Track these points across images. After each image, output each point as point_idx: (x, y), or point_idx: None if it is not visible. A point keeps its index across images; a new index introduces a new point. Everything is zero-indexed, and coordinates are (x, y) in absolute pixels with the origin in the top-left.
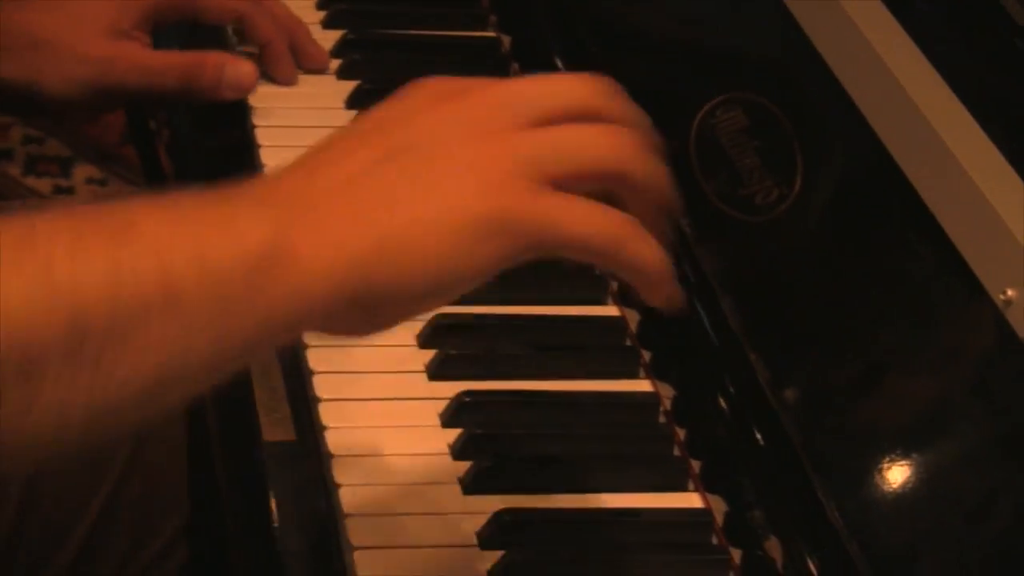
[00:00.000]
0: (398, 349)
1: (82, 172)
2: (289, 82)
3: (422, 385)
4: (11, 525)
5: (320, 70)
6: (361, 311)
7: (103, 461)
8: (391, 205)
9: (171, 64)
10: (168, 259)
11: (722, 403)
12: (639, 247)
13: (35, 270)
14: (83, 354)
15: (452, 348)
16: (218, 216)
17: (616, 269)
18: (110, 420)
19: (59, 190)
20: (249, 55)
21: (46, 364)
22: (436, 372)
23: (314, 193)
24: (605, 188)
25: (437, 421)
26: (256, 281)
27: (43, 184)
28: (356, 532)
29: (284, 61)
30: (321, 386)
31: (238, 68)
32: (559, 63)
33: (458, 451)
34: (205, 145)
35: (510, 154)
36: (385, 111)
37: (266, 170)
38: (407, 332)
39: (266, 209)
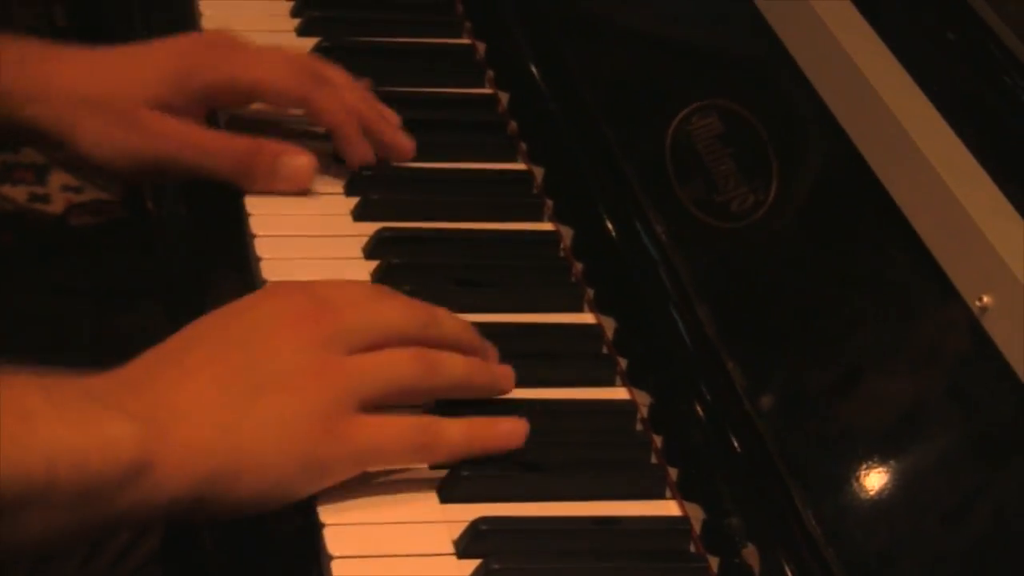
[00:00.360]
0: None
1: (57, 179)
2: (362, 163)
3: None
4: None
5: (402, 158)
6: (200, 511)
7: None
8: (244, 432)
9: (227, 147)
10: (55, 464)
11: (699, 410)
12: (445, 440)
13: None
14: None
15: None
16: (98, 428)
17: (439, 461)
18: None
19: (35, 197)
20: None
21: None
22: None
23: (180, 406)
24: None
25: None
26: (121, 487)
27: (19, 192)
28: (334, 541)
29: (353, 145)
30: None
31: (294, 160)
32: (534, 70)
33: None
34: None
35: (340, 388)
36: (247, 323)
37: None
38: None
39: (138, 426)
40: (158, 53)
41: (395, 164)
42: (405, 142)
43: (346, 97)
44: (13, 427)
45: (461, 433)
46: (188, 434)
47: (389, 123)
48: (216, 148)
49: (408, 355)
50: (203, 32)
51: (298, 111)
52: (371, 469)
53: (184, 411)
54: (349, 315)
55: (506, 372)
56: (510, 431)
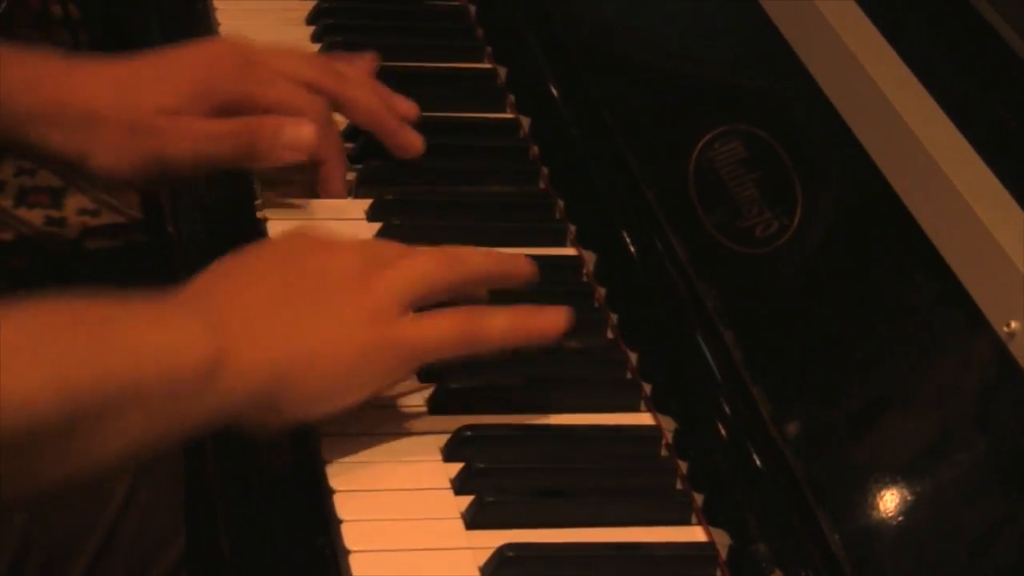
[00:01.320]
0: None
1: (74, 203)
2: (415, 148)
3: (423, 419)
4: (12, 560)
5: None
6: (270, 411)
7: (101, 496)
8: (302, 327)
9: (225, 130)
10: (139, 365)
11: (724, 436)
12: (489, 326)
13: (41, 369)
14: (71, 438)
15: (453, 383)
16: (175, 328)
17: (486, 350)
18: (79, 482)
19: (51, 221)
20: None
21: (42, 446)
22: (436, 406)
23: (242, 311)
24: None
25: (439, 455)
26: (201, 385)
27: (35, 215)
28: (358, 567)
29: (399, 134)
30: (322, 423)
31: (297, 128)
32: (555, 94)
33: (460, 486)
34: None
35: (385, 289)
36: (281, 247)
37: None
38: None
39: (208, 326)
40: (174, 67)
41: (418, 189)
42: (415, 139)
43: (370, 92)
44: (99, 331)
45: (507, 320)
46: (256, 330)
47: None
48: (216, 131)
49: (433, 254)
50: (218, 42)
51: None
52: (425, 361)
53: (249, 313)
54: (365, 247)
55: (526, 259)
56: (555, 320)
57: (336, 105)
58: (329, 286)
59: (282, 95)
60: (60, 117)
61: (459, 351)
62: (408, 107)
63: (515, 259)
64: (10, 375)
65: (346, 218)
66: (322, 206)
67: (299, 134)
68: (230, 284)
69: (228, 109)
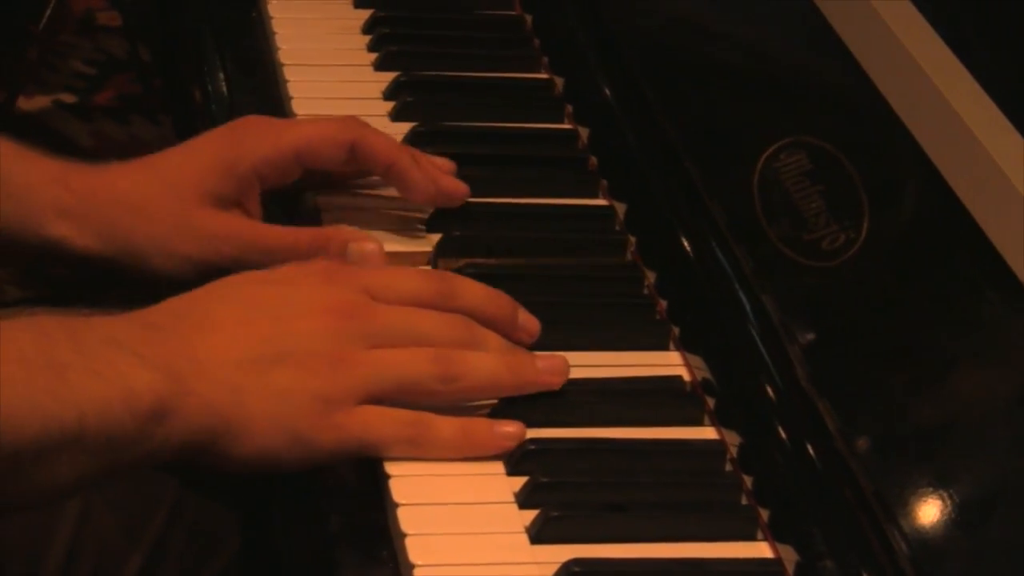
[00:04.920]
0: None
1: None
2: (429, 198)
3: None
4: (62, 567)
5: (457, 201)
6: (201, 461)
7: (151, 500)
8: (246, 395)
9: (293, 244)
10: (83, 413)
11: (790, 450)
12: (435, 437)
13: None
14: (9, 479)
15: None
16: (123, 380)
17: (432, 456)
18: (23, 509)
19: None
20: None
21: None
22: (499, 419)
23: (199, 357)
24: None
25: (502, 469)
26: (139, 433)
27: None
28: None
29: (412, 174)
30: None
31: (362, 247)
32: (613, 105)
33: (524, 499)
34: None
35: (350, 379)
36: (282, 297)
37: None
38: None
39: (155, 377)
40: (199, 146)
41: (475, 201)
42: (460, 185)
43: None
44: (49, 381)
45: (454, 431)
46: (202, 386)
47: (440, 166)
48: (278, 246)
49: (428, 355)
50: (235, 119)
51: (379, 192)
52: (361, 456)
53: (203, 365)
54: (384, 317)
55: (550, 366)
56: (506, 435)
57: (357, 149)
58: (297, 357)
59: (307, 129)
60: (92, 209)
61: (398, 453)
62: (445, 161)
63: (534, 375)
64: None
65: (404, 214)
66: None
67: (367, 251)
68: (200, 320)
69: (261, 172)
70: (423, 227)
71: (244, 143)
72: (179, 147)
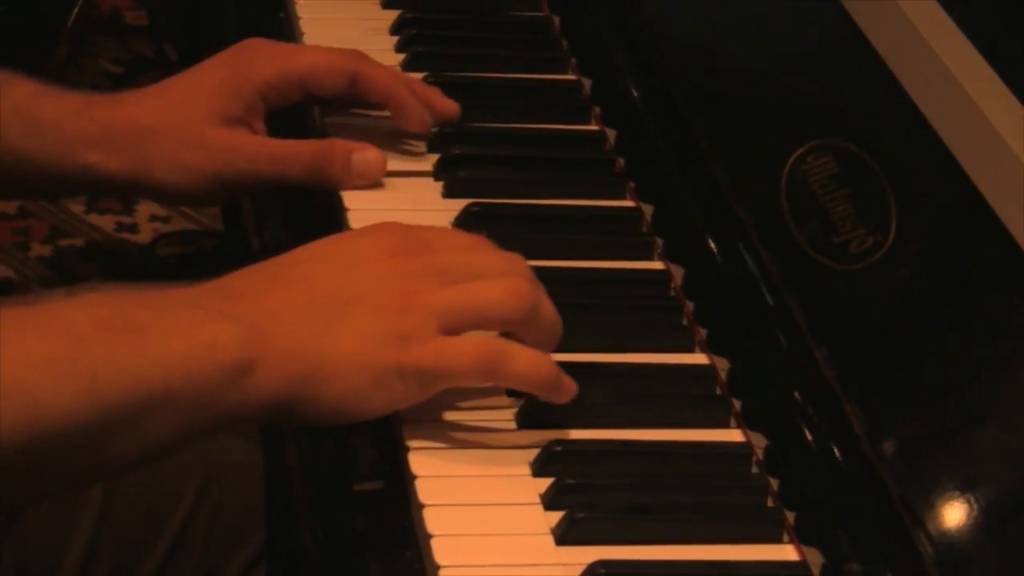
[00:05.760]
0: (487, 396)
1: (145, 209)
2: (423, 126)
3: (511, 433)
4: (81, 563)
5: (452, 118)
6: (284, 416)
7: (171, 497)
8: (330, 338)
9: (297, 152)
10: (169, 374)
11: (816, 453)
12: (510, 368)
13: (76, 381)
14: (102, 443)
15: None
16: (205, 336)
17: (503, 384)
18: (108, 478)
19: (122, 227)
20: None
21: (75, 450)
22: (525, 420)
23: (274, 309)
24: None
25: (528, 470)
26: (227, 388)
27: (105, 221)
28: None
29: (409, 105)
30: (410, 434)
31: (365, 155)
32: (641, 107)
33: (550, 501)
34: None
35: (423, 312)
36: (345, 251)
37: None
38: None
39: (237, 331)
40: (206, 69)
41: (503, 201)
42: (451, 103)
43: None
44: (131, 342)
45: (527, 366)
46: (282, 336)
47: (433, 89)
48: (286, 155)
49: (506, 286)
50: (240, 42)
51: (384, 113)
52: (441, 388)
53: (279, 315)
54: (446, 256)
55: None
56: (567, 387)
57: (358, 80)
58: (369, 297)
59: (312, 56)
60: (114, 136)
61: (473, 383)
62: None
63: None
64: (47, 387)
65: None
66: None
67: (367, 160)
68: (268, 282)
69: (266, 92)
70: (424, 147)
71: (250, 66)
72: (188, 72)
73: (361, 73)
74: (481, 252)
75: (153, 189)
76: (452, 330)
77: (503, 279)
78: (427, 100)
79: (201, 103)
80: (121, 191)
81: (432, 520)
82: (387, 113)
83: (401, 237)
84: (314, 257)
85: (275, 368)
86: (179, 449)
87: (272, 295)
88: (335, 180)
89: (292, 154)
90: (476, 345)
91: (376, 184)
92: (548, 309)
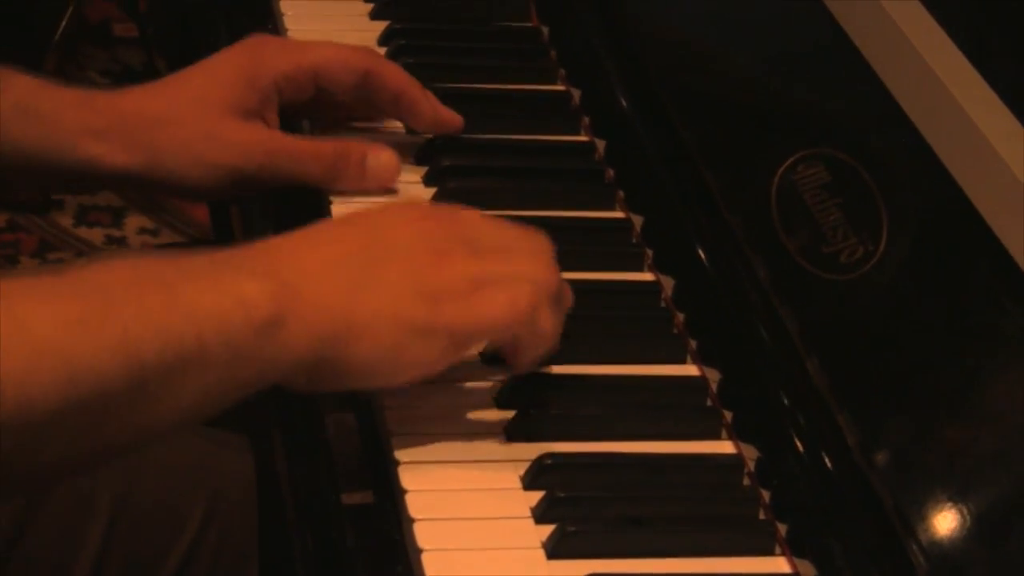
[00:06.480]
0: (477, 410)
1: (134, 222)
2: (432, 129)
3: (502, 446)
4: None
5: (455, 129)
6: (315, 376)
7: (180, 515)
8: (361, 294)
9: (313, 151)
10: (201, 330)
11: (808, 465)
12: (542, 327)
13: (108, 338)
14: (137, 401)
15: (532, 410)
16: (235, 290)
17: (527, 341)
18: (145, 442)
19: (111, 240)
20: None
21: (111, 412)
22: (515, 433)
23: (305, 266)
24: None
25: (518, 483)
26: (260, 342)
27: (94, 234)
28: None
29: (422, 104)
30: (400, 448)
31: (379, 157)
32: (631, 116)
33: (541, 514)
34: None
35: (455, 274)
36: (375, 216)
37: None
38: (485, 393)
39: (267, 285)
40: (221, 60)
41: (492, 211)
42: (456, 115)
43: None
44: (160, 298)
45: (555, 325)
46: (314, 291)
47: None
48: (303, 152)
49: (540, 261)
50: (248, 38)
51: (379, 125)
52: (473, 343)
53: (310, 272)
54: (472, 227)
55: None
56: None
57: (371, 76)
58: (399, 254)
59: (326, 51)
60: (120, 126)
61: (505, 338)
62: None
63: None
64: (80, 345)
65: None
66: None
67: (384, 161)
68: (294, 245)
69: (280, 86)
70: (414, 160)
71: (264, 58)
72: (199, 65)
73: (374, 70)
74: (505, 227)
75: (164, 182)
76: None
77: (519, 279)
78: (434, 105)
79: (216, 94)
80: (129, 185)
81: (423, 534)
82: (375, 125)
83: (429, 208)
84: (344, 222)
85: (307, 323)
86: (215, 411)
87: (303, 253)
88: (350, 181)
89: (312, 151)
90: (511, 298)
91: (388, 190)
92: (549, 315)
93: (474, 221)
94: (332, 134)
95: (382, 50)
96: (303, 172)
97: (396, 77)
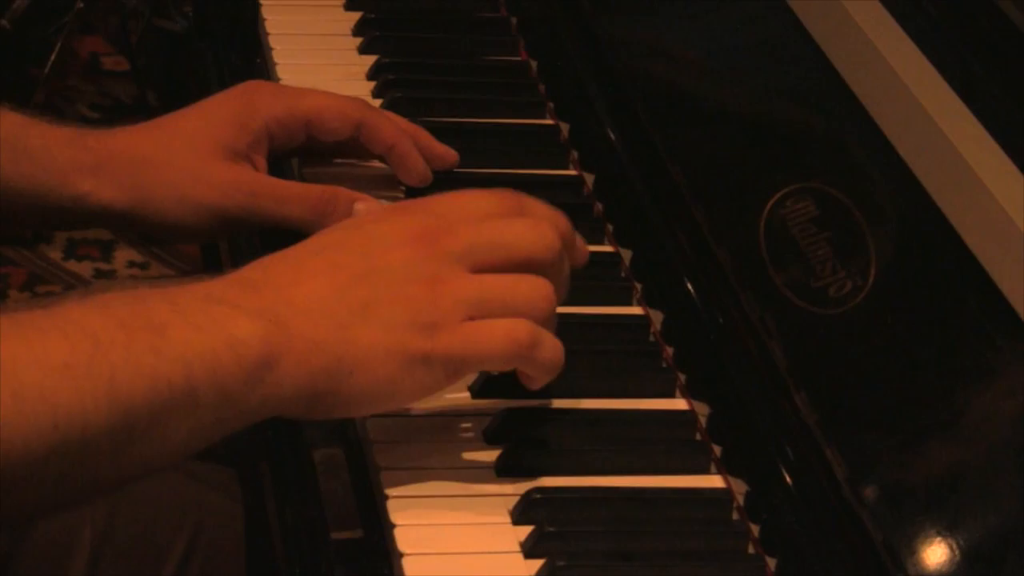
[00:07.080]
0: (465, 444)
1: (123, 255)
2: (423, 181)
3: (490, 481)
4: None
5: (451, 168)
6: (309, 409)
7: (162, 548)
8: (354, 329)
9: (301, 195)
10: (191, 372)
11: (797, 498)
12: (540, 356)
13: (95, 383)
14: (125, 445)
15: (520, 443)
16: (226, 331)
17: (529, 369)
18: (132, 482)
19: (100, 274)
20: None
21: (96, 455)
22: (504, 467)
23: (297, 301)
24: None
25: (507, 518)
26: (251, 384)
27: (83, 267)
28: None
29: (412, 158)
30: (389, 483)
31: (369, 205)
32: (619, 151)
33: (530, 549)
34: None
35: (450, 302)
36: (367, 235)
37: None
38: (474, 426)
39: (260, 326)
40: (215, 103)
41: None
42: (451, 151)
43: (393, 118)
44: (151, 340)
45: (558, 355)
46: (307, 327)
47: (430, 136)
48: (290, 196)
49: (530, 282)
50: (243, 83)
51: (366, 162)
52: (469, 372)
53: (302, 307)
54: (468, 236)
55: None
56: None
57: (364, 128)
58: (394, 287)
59: (320, 99)
60: (109, 164)
61: (502, 368)
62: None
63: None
64: (65, 391)
65: None
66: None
67: (371, 208)
68: (291, 272)
69: (272, 130)
70: (403, 195)
71: (258, 102)
72: (192, 107)
73: (367, 121)
74: (503, 222)
75: (150, 221)
76: (477, 317)
77: (526, 278)
78: (427, 148)
79: (206, 134)
80: (116, 223)
81: (412, 569)
82: (365, 163)
83: (422, 216)
84: (336, 244)
85: (299, 362)
86: (199, 449)
87: (294, 287)
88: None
89: (297, 195)
90: (509, 329)
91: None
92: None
93: (468, 228)
94: (320, 167)
95: (371, 84)
96: (287, 214)
97: (388, 130)
